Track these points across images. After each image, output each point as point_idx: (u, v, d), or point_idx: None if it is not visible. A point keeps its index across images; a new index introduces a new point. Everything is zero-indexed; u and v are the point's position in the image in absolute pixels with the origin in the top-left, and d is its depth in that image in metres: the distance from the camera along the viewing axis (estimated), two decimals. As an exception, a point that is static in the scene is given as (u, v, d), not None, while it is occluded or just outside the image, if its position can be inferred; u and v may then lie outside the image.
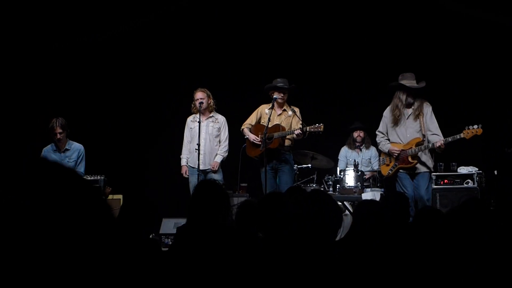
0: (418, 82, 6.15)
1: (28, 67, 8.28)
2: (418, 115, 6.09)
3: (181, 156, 7.09)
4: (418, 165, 6.10)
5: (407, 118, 6.15)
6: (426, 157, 6.12)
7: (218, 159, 6.95)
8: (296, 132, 6.46)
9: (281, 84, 6.72)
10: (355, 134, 8.26)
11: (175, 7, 8.43)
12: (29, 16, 7.90)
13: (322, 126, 6.39)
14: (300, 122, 6.61)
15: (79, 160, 6.88)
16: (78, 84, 8.61)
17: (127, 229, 2.85)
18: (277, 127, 6.66)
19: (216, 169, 6.90)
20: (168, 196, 8.01)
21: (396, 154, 6.12)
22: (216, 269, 2.76)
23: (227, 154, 7.02)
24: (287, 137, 6.68)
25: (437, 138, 6.03)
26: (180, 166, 7.06)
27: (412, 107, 6.13)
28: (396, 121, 6.17)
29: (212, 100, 7.00)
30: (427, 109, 6.15)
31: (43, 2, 7.86)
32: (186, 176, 6.97)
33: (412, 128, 6.14)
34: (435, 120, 6.14)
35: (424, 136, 6.11)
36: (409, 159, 6.07)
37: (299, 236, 2.87)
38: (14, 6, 7.78)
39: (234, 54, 8.72)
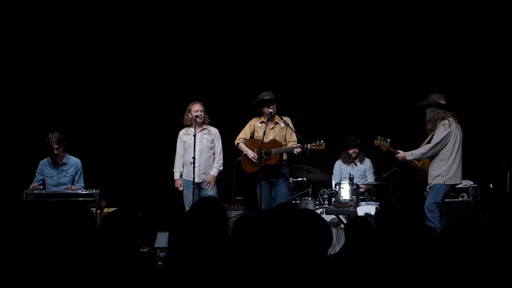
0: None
1: (28, 76, 8.30)
2: None
3: (174, 170, 7.01)
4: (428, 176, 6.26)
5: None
6: (434, 166, 6.22)
7: (215, 172, 6.90)
8: (296, 150, 6.41)
9: (268, 96, 6.68)
10: (350, 151, 8.25)
11: (168, 19, 8.45)
12: (28, 25, 7.93)
13: (323, 144, 6.29)
14: (294, 134, 6.59)
15: (78, 175, 6.90)
16: (75, 97, 8.60)
17: (114, 243, 2.84)
18: (275, 142, 6.61)
19: (212, 185, 6.86)
20: (163, 209, 7.97)
21: None
22: (211, 285, 2.75)
23: (222, 167, 7.00)
24: (284, 151, 6.65)
25: None
26: (173, 180, 7.00)
27: None
28: None
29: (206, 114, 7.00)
30: None
31: (39, 10, 7.89)
32: (181, 189, 6.93)
33: None
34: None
35: None
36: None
37: (292, 252, 2.87)
38: (13, 16, 7.80)
39: (225, 67, 8.69)
